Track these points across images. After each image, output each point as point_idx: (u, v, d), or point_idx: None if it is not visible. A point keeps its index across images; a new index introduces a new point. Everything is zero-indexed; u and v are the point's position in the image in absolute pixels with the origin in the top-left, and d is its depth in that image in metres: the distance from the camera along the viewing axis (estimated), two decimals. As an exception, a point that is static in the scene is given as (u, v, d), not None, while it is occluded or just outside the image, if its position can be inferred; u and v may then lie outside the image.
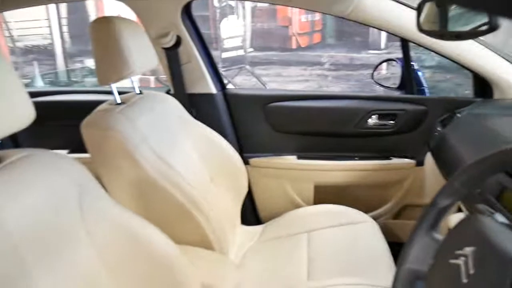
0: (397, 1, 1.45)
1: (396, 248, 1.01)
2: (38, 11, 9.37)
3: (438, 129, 1.49)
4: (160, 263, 0.88)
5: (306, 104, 1.76)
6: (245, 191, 1.62)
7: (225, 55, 7.50)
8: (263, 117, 1.79)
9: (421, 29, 0.98)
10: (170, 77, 1.73)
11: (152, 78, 6.73)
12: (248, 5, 10.16)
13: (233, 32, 7.74)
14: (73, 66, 9.59)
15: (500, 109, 1.47)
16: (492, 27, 0.79)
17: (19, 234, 0.69)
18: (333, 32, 12.06)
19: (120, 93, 1.29)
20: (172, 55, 1.68)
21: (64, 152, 1.86)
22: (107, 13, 8.71)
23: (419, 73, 1.78)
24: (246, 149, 1.83)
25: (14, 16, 9.64)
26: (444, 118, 1.54)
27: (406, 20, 1.45)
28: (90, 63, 9.02)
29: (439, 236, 0.73)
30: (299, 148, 1.81)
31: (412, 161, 1.73)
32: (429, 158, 1.67)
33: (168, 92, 1.76)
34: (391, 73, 1.89)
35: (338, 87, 7.82)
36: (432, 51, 1.51)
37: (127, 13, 1.64)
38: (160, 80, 6.27)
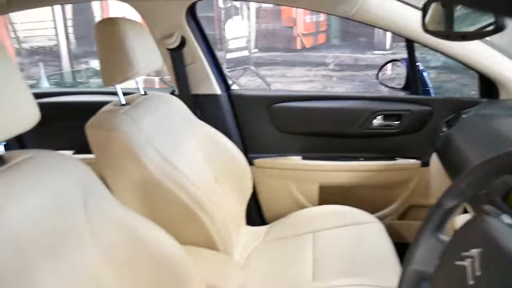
0: (402, 2, 1.45)
1: (402, 248, 1.00)
2: (43, 12, 9.42)
3: (444, 129, 1.48)
4: (165, 263, 0.88)
5: (310, 104, 1.76)
6: (249, 191, 1.62)
7: (229, 55, 7.51)
8: (268, 118, 1.79)
9: (426, 30, 0.98)
10: (174, 78, 1.74)
11: (156, 79, 6.75)
12: (253, 5, 10.16)
13: (237, 33, 7.75)
14: (78, 67, 9.63)
15: (506, 109, 1.46)
16: (499, 28, 0.79)
17: (24, 235, 0.69)
18: (338, 32, 12.03)
19: (124, 94, 1.29)
20: (176, 56, 1.69)
21: (69, 153, 1.87)
22: (112, 14, 8.74)
23: (424, 74, 1.77)
24: (250, 149, 1.83)
25: (20, 17, 9.70)
26: (449, 119, 1.53)
27: (411, 20, 1.45)
28: (95, 64, 9.05)
29: (445, 237, 0.72)
30: (304, 149, 1.81)
31: (418, 162, 1.72)
32: (434, 159, 1.66)
33: (172, 93, 1.76)
34: (396, 73, 1.88)
35: (343, 88, 7.80)
36: (438, 51, 1.50)
37: (132, 14, 1.65)
38: (164, 81, 6.29)
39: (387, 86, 1.91)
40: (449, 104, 1.63)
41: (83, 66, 9.68)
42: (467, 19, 0.92)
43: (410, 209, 1.80)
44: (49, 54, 10.66)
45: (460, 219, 1.17)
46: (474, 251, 0.60)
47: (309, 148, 1.80)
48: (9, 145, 0.76)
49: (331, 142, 1.78)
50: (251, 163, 1.78)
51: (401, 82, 1.79)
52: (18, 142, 1.92)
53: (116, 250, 0.84)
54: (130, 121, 1.19)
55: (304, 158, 1.80)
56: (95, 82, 8.40)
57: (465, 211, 1.23)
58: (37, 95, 0.88)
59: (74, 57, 9.73)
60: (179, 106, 1.48)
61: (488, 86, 1.55)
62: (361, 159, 1.76)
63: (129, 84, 1.35)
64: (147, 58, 1.26)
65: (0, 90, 0.67)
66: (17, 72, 0.71)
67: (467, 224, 0.67)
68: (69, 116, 1.88)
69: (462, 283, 0.59)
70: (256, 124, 1.81)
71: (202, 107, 1.75)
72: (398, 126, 1.70)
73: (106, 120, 1.18)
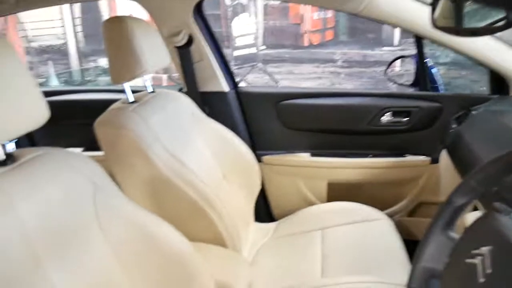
0: (411, -3, 1.43)
1: (411, 246, 1.00)
2: (52, 11, 9.48)
3: (453, 126, 1.47)
4: (174, 260, 0.89)
5: (318, 101, 1.76)
6: (258, 188, 1.62)
7: (237, 53, 7.50)
8: (276, 115, 1.79)
9: (435, 26, 0.97)
10: (182, 75, 1.74)
11: (164, 76, 6.77)
12: (260, 3, 10.14)
13: (245, 30, 7.73)
14: (87, 65, 9.69)
15: (517, 105, 1.44)
16: (509, 23, 0.78)
17: (34, 231, 0.70)
18: (345, 29, 11.97)
19: (133, 91, 1.30)
20: (184, 54, 1.69)
21: (78, 150, 1.88)
22: (120, 12, 8.78)
23: (434, 70, 1.75)
24: (258, 146, 1.83)
25: (29, 16, 9.78)
26: (459, 115, 1.52)
27: (420, 16, 1.43)
28: (103, 62, 9.10)
29: (455, 234, 0.72)
30: (312, 146, 1.81)
31: (427, 159, 1.71)
32: (444, 156, 1.65)
33: (180, 91, 1.76)
34: (405, 70, 1.87)
35: (351, 85, 7.77)
36: (447, 47, 1.48)
37: (140, 12, 1.65)
38: (172, 78, 6.30)
39: (395, 83, 1.90)
40: (458, 101, 1.62)
41: (92, 64, 9.73)
42: (477, 14, 0.91)
43: (419, 206, 1.79)
44: (58, 53, 10.73)
45: (470, 217, 1.16)
46: (484, 249, 0.59)
47: (317, 145, 1.80)
48: (19, 143, 0.77)
49: (340, 139, 1.78)
50: (259, 160, 1.78)
51: (410, 78, 1.78)
52: (29, 140, 1.93)
53: (125, 246, 0.84)
54: (139, 119, 1.19)
55: (313, 155, 1.80)
56: (104, 80, 8.45)
57: (476, 209, 1.23)
58: (47, 94, 0.89)
59: (82, 56, 9.78)
60: (187, 104, 1.48)
61: (499, 82, 1.54)
62: (370, 156, 1.76)
63: (137, 82, 1.36)
64: (155, 56, 1.26)
65: (10, 89, 0.67)
66: (26, 71, 0.72)
67: (477, 221, 0.66)
68: (78, 114, 1.89)
69: (473, 281, 0.59)
70: (264, 121, 1.81)
71: (210, 105, 1.75)
72: (407, 123, 1.69)
73: (114, 118, 1.19)
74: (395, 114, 1.69)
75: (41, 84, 6.64)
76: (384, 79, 1.89)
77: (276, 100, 1.77)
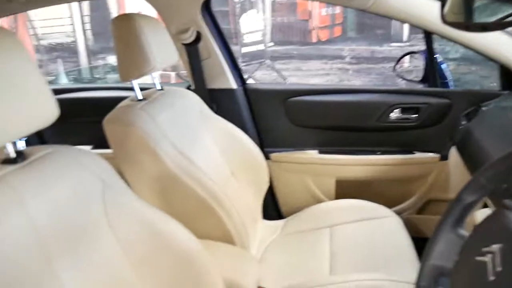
0: (420, -8, 1.42)
1: (420, 243, 0.99)
2: (61, 9, 9.53)
3: (463, 123, 1.46)
4: (182, 257, 0.89)
5: (327, 98, 1.75)
6: (266, 185, 1.62)
7: (245, 50, 7.48)
8: (284, 112, 1.78)
9: (445, 21, 0.96)
10: (190, 72, 1.74)
11: (172, 73, 6.78)
12: (268, -1, 10.12)
13: (253, 27, 7.71)
14: (96, 63, 9.75)
15: (528, 101, 1.42)
16: (521, 17, 0.77)
17: (44, 229, 0.71)
18: (354, 25, 11.89)
19: (141, 89, 1.31)
20: (192, 51, 1.69)
21: (87, 148, 1.90)
22: (128, 10, 8.81)
23: (443, 66, 1.74)
24: (267, 143, 1.83)
25: (38, 14, 9.85)
26: (469, 112, 1.50)
27: (429, 11, 1.42)
28: (112, 60, 9.15)
29: (465, 232, 0.71)
30: (320, 143, 1.80)
31: (436, 156, 1.70)
32: (453, 153, 1.64)
33: (188, 88, 1.77)
34: (414, 66, 1.85)
35: (360, 81, 7.72)
36: (457, 43, 1.47)
37: (148, 9, 1.66)
38: (180, 75, 6.32)
39: (404, 79, 1.89)
40: (468, 97, 1.60)
41: (101, 62, 9.79)
42: (487, 9, 0.90)
43: (428, 204, 1.77)
44: (67, 51, 10.80)
45: (480, 214, 1.15)
46: (494, 247, 0.59)
47: (325, 142, 1.79)
48: (29, 141, 0.78)
49: (348, 136, 1.77)
50: (267, 157, 1.78)
51: (419, 74, 1.76)
52: (39, 138, 1.95)
53: (133, 244, 0.85)
54: (147, 116, 1.20)
55: (321, 152, 1.79)
56: (112, 78, 8.49)
57: (485, 206, 1.21)
58: (56, 91, 0.90)
59: (91, 53, 9.84)
60: (195, 101, 1.49)
61: (509, 77, 1.52)
62: (378, 153, 1.75)
63: (145, 80, 1.36)
64: (163, 53, 1.27)
65: (20, 87, 0.68)
66: (36, 69, 0.72)
67: (487, 219, 0.66)
68: (87, 112, 1.90)
69: (483, 279, 0.58)
70: (272, 118, 1.81)
71: (218, 102, 1.75)
72: (416, 120, 1.67)
73: (123, 115, 1.20)
74: (403, 110, 1.68)
75: (50, 82, 6.69)
76: (393, 76, 1.88)
77: (284, 97, 1.77)
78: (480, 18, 0.91)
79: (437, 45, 1.65)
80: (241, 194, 1.48)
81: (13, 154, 0.74)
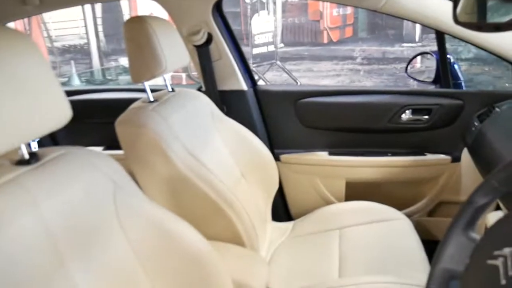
0: (432, -8, 1.41)
1: (431, 246, 0.98)
2: (74, 11, 9.64)
3: (475, 124, 1.44)
4: (192, 259, 0.89)
5: (337, 99, 1.74)
6: (276, 187, 1.62)
7: (256, 51, 7.49)
8: (294, 113, 1.78)
9: (457, 21, 0.95)
10: (201, 74, 1.75)
11: (183, 75, 6.82)
12: (279, 0, 10.12)
13: (264, 28, 7.72)
14: (108, 64, 9.84)
15: (542, 103, 1.40)
16: (534, 17, 0.76)
17: (57, 230, 0.72)
18: (365, 25, 11.84)
19: (152, 90, 1.32)
20: (203, 53, 1.70)
21: (98, 149, 1.92)
22: (140, 12, 8.87)
23: (456, 66, 1.72)
24: (277, 145, 1.83)
25: (52, 17, 9.97)
26: (481, 113, 1.49)
27: (441, 11, 1.41)
28: (124, 61, 9.23)
29: (476, 235, 0.70)
30: (330, 144, 1.80)
31: (448, 157, 1.68)
32: (465, 154, 1.62)
33: (199, 89, 1.78)
34: (426, 66, 1.84)
35: (371, 82, 7.69)
36: (469, 43, 1.46)
37: (159, 11, 1.67)
38: (191, 77, 6.35)
39: (416, 80, 1.87)
40: (481, 97, 1.59)
41: (113, 64, 9.88)
42: (500, 9, 0.89)
43: (439, 206, 1.76)
44: (80, 52, 10.93)
45: (492, 217, 1.14)
46: (506, 250, 0.58)
47: (335, 144, 1.79)
48: (42, 142, 0.79)
49: (358, 137, 1.76)
50: (277, 158, 1.78)
51: (431, 75, 1.75)
52: (51, 139, 1.98)
53: (144, 245, 0.85)
54: (159, 118, 1.21)
55: (331, 153, 1.79)
56: (124, 79, 8.56)
57: (498, 208, 1.20)
58: (69, 93, 0.91)
59: (103, 55, 9.94)
60: (206, 103, 1.49)
61: (523, 78, 1.50)
62: (389, 154, 1.74)
63: (156, 81, 1.37)
64: (175, 55, 1.27)
65: (34, 88, 0.69)
66: (50, 71, 0.73)
67: (499, 221, 0.65)
68: (99, 113, 1.92)
69: (494, 282, 0.58)
70: (282, 120, 1.81)
71: (229, 103, 1.75)
72: (428, 121, 1.66)
73: (135, 117, 1.21)
74: (415, 112, 1.67)
75: (63, 84, 6.77)
76: (405, 76, 1.87)
77: (295, 98, 1.76)
78: (493, 18, 0.90)
79: (449, 45, 1.64)
80: (251, 195, 1.48)
81: (26, 156, 0.75)
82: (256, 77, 1.87)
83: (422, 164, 1.70)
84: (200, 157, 1.25)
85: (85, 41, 9.89)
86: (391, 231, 1.42)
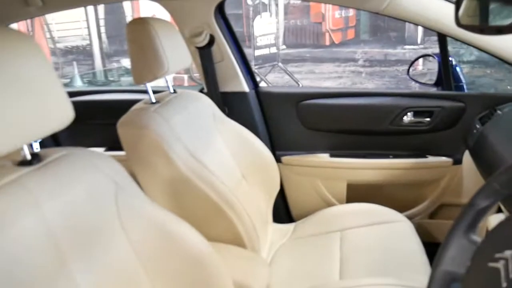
0: (434, -5, 1.41)
1: (432, 248, 0.98)
2: (77, 12, 9.67)
3: (477, 126, 1.44)
4: (193, 260, 0.89)
5: (339, 101, 1.75)
6: (277, 189, 1.62)
7: (258, 52, 7.50)
8: (296, 115, 1.78)
9: (459, 24, 0.95)
10: (203, 75, 1.75)
11: (185, 76, 6.83)
12: (281, 2, 10.13)
13: (266, 30, 7.73)
14: (110, 66, 9.86)
15: (544, 105, 1.40)
16: (536, 20, 0.76)
17: (59, 231, 0.72)
18: (367, 27, 11.85)
19: (154, 92, 1.32)
20: (205, 54, 1.70)
21: (100, 150, 1.92)
22: (143, 13, 8.90)
23: (457, 68, 1.72)
24: (278, 147, 1.83)
25: (55, 18, 10.01)
26: (483, 115, 1.49)
27: (443, 14, 1.41)
28: (126, 63, 9.25)
29: (477, 238, 0.70)
30: (332, 146, 1.80)
31: (449, 160, 1.68)
32: (467, 157, 1.62)
33: (201, 91, 1.78)
34: (428, 68, 1.85)
35: (373, 84, 7.68)
36: (471, 45, 1.45)
37: (162, 13, 1.67)
38: (193, 78, 6.35)
39: (418, 82, 1.87)
40: (483, 100, 1.59)
41: (115, 65, 9.91)
42: (502, 11, 0.89)
43: (441, 208, 1.76)
44: (83, 53, 10.96)
45: (493, 219, 1.14)
46: (508, 253, 0.58)
47: (337, 146, 1.79)
48: (44, 143, 0.79)
49: (360, 139, 1.76)
50: (278, 160, 1.78)
51: (433, 77, 1.75)
52: (53, 140, 1.98)
53: (145, 246, 0.86)
54: (160, 119, 1.21)
55: (332, 155, 1.79)
56: (126, 81, 8.58)
57: (499, 211, 1.20)
58: (71, 94, 0.91)
59: (106, 56, 9.96)
60: (208, 104, 1.49)
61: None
62: (391, 156, 1.74)
63: (158, 82, 1.38)
64: (177, 56, 1.28)
65: (36, 89, 0.69)
66: (52, 72, 0.73)
67: (501, 224, 0.65)
68: (101, 114, 1.92)
69: (495, 285, 0.58)
70: (284, 122, 1.81)
71: (230, 105, 1.76)
72: (429, 123, 1.66)
73: (136, 118, 1.21)
74: (417, 114, 1.67)
75: (65, 85, 6.79)
76: (406, 79, 1.88)
77: (297, 100, 1.76)
78: (495, 20, 0.90)
79: (451, 47, 1.64)
80: (252, 197, 1.48)
81: (28, 156, 0.75)
82: (258, 79, 1.87)
83: (424, 166, 1.70)
84: (201, 158, 1.25)
85: (88, 42, 9.92)
86: (392, 233, 1.42)
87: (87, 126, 1.84)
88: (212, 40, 1.68)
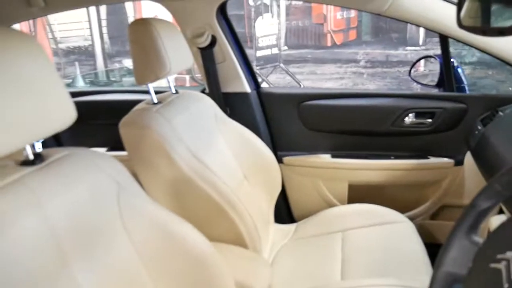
0: (436, -4, 1.41)
1: (433, 249, 0.98)
2: (79, 13, 9.69)
3: (479, 127, 1.44)
4: (195, 260, 0.90)
5: (341, 102, 1.75)
6: (278, 189, 1.62)
7: (259, 53, 7.51)
8: (297, 116, 1.78)
9: (461, 25, 0.95)
10: (205, 76, 1.76)
11: (187, 77, 6.84)
12: (283, 3, 10.14)
13: (267, 31, 7.75)
14: (112, 66, 9.88)
15: (546, 107, 1.40)
16: (538, 22, 0.76)
17: (61, 231, 0.72)
18: (369, 28, 11.85)
19: (156, 92, 1.32)
20: (207, 55, 1.70)
21: (102, 150, 1.92)
22: (145, 14, 8.91)
23: (459, 70, 1.72)
24: (280, 147, 1.83)
25: (57, 18, 10.03)
26: (485, 117, 1.49)
27: (445, 15, 1.41)
28: (128, 63, 9.27)
29: (479, 239, 0.70)
30: (333, 147, 1.80)
31: (451, 161, 1.68)
32: (468, 158, 1.62)
33: (203, 91, 1.78)
34: (429, 70, 1.84)
35: (374, 85, 7.68)
36: (473, 47, 1.45)
37: (164, 14, 1.68)
38: (195, 79, 6.36)
39: (419, 83, 1.87)
40: (484, 101, 1.58)
41: (117, 65, 9.92)
42: (504, 13, 0.89)
43: (442, 209, 1.76)
44: (85, 54, 10.98)
45: (495, 220, 1.14)
46: (510, 254, 0.58)
47: (338, 146, 1.79)
48: (46, 143, 0.79)
49: (361, 140, 1.76)
50: (280, 161, 1.79)
51: (435, 78, 1.75)
52: (55, 140, 1.99)
53: (147, 246, 0.86)
54: (162, 119, 1.21)
55: (334, 156, 1.79)
56: (128, 81, 8.60)
57: (501, 212, 1.20)
58: (73, 94, 0.91)
59: (108, 57, 9.98)
60: (210, 105, 1.50)
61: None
62: (392, 157, 1.74)
63: (160, 83, 1.38)
64: (179, 57, 1.28)
65: (38, 90, 0.69)
66: (55, 72, 0.74)
67: (502, 225, 0.65)
68: (103, 115, 1.93)
69: (497, 286, 0.58)
70: (285, 122, 1.81)
71: (232, 105, 1.76)
72: (431, 124, 1.66)
73: (138, 118, 1.21)
74: (418, 115, 1.67)
75: (67, 85, 6.80)
76: (408, 80, 1.88)
77: (298, 101, 1.77)
78: (497, 22, 0.90)
79: (453, 49, 1.64)
80: (253, 197, 1.49)
81: (31, 156, 0.75)
82: (259, 80, 1.87)
83: (425, 168, 1.70)
84: (203, 159, 1.25)
85: (90, 42, 9.94)
86: (393, 234, 1.42)
87: (89, 126, 1.84)
88: (214, 41, 1.68)
